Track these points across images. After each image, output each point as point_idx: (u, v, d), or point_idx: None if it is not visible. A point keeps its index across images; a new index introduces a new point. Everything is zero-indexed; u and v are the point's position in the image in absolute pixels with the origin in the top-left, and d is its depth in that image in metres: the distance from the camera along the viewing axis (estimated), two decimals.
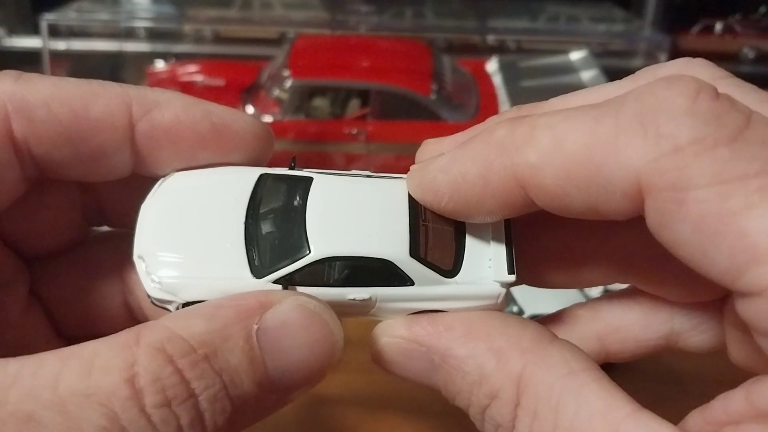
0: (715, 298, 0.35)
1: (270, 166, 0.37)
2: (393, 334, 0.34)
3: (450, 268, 0.33)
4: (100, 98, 0.34)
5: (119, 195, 0.40)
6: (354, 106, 1.05)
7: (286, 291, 0.32)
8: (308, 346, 0.30)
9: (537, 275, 0.38)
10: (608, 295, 0.40)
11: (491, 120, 0.34)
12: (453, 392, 0.32)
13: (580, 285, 0.39)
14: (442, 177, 0.32)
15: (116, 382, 0.26)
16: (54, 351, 0.27)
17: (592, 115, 0.28)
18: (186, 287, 0.32)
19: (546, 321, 0.40)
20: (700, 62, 0.33)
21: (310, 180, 0.34)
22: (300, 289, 0.32)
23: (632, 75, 0.33)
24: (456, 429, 0.73)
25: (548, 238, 0.37)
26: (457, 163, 0.31)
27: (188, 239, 0.33)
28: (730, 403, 0.29)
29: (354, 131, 1.03)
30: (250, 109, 1.05)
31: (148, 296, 0.33)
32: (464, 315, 0.33)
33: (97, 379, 0.26)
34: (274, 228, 0.33)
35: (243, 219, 0.33)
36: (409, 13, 1.53)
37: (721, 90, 0.27)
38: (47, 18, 1.29)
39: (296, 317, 0.30)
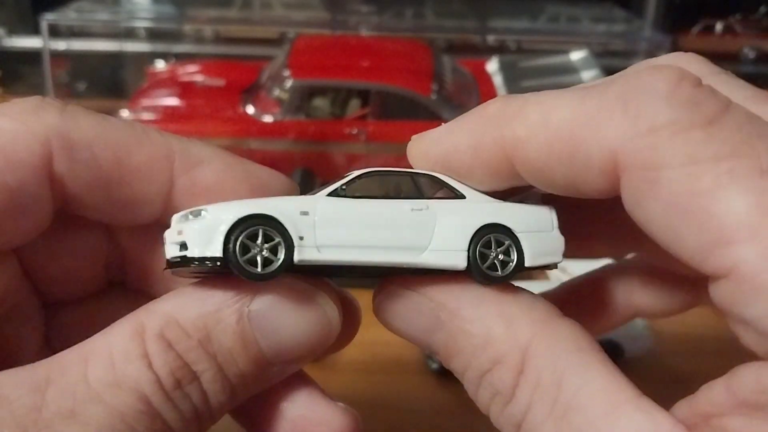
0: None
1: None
2: (406, 286, 0.34)
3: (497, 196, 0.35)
4: (144, 147, 0.35)
5: (143, 252, 0.40)
6: (354, 106, 1.05)
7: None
8: (301, 325, 0.32)
9: None
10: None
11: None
12: (452, 353, 0.33)
13: (592, 256, 0.41)
14: (435, 147, 0.34)
15: (140, 368, 0.28)
16: (68, 351, 0.29)
17: (579, 93, 0.29)
18: (229, 208, 0.31)
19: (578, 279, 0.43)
20: (690, 56, 0.34)
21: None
22: (351, 200, 0.33)
23: (626, 69, 0.34)
24: (457, 429, 0.73)
25: (564, 216, 0.37)
26: (451, 135, 0.33)
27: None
28: (714, 394, 0.29)
29: (354, 131, 1.03)
30: (250, 109, 1.05)
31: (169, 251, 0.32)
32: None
33: (122, 368, 0.28)
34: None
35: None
36: (409, 13, 1.53)
37: (709, 84, 0.28)
38: (47, 18, 1.29)
39: (286, 297, 0.31)
